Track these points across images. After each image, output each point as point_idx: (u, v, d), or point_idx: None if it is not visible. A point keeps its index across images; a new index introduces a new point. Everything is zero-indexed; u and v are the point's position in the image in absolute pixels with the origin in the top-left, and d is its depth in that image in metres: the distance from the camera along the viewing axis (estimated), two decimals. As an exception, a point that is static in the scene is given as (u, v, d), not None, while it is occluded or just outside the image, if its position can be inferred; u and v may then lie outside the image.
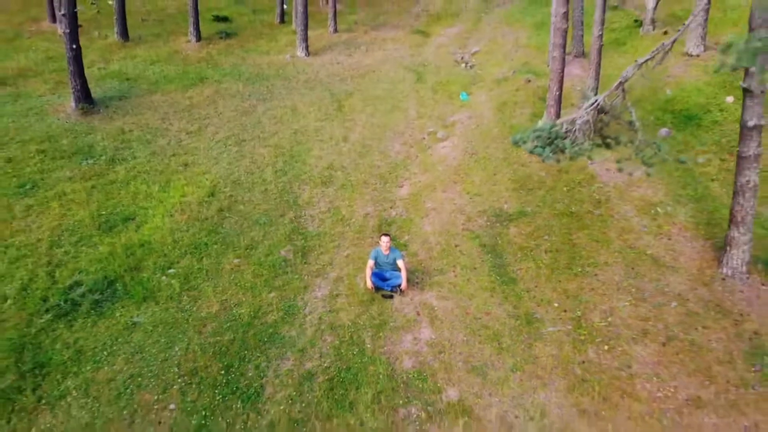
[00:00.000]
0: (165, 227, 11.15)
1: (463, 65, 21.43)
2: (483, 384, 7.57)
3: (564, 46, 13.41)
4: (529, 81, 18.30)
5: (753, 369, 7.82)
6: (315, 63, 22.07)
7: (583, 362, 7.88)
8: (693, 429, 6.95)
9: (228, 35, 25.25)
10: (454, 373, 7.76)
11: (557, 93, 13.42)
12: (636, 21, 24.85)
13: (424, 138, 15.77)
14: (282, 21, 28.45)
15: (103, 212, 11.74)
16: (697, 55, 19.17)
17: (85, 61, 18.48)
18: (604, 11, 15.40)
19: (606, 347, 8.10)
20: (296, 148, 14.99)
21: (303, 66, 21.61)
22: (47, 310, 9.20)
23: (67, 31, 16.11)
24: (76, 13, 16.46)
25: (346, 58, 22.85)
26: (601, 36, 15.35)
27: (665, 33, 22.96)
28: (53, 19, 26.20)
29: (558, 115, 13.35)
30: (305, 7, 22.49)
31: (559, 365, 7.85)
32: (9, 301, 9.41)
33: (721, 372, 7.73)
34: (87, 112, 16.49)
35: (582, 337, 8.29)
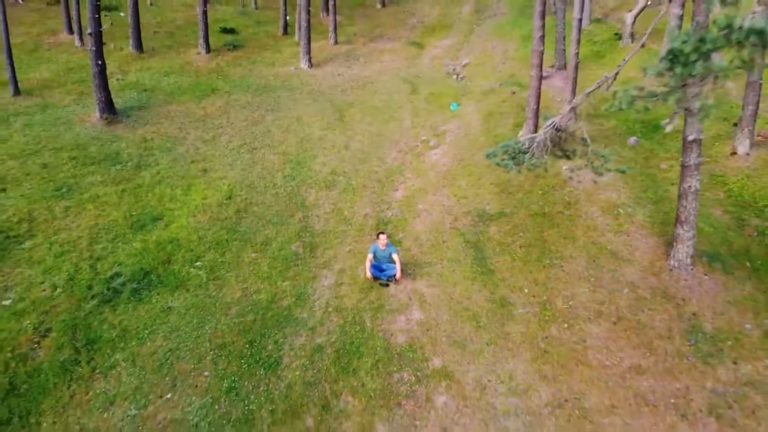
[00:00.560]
0: (190, 226, 12.63)
1: (455, 77, 22.95)
2: (462, 354, 9.09)
3: (540, 66, 14.92)
4: (514, 93, 19.83)
5: (689, 343, 9.34)
6: (317, 75, 23.57)
7: (546, 337, 9.40)
8: (632, 390, 8.47)
9: (235, 47, 26.73)
10: (438, 346, 9.27)
11: (534, 107, 14.94)
12: (616, 34, 26.43)
13: (417, 146, 17.28)
14: (285, 32, 29.93)
15: (134, 213, 13.21)
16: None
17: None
18: (579, 32, 16.93)
19: (566, 325, 9.62)
20: (302, 155, 16.48)
21: (306, 78, 23.12)
22: (93, 297, 10.68)
23: (93, 48, 17.57)
24: (101, 32, 17.93)
25: (346, 69, 24.36)
26: (577, 54, 16.88)
27: (642, 46, 24.53)
28: (70, 30, 27.64)
29: (536, 127, 14.85)
30: (308, 22, 23.98)
31: (526, 340, 9.37)
32: (59, 290, 10.88)
33: (660, 345, 9.25)
34: (111, 122, 17.95)
35: (546, 318, 9.81)
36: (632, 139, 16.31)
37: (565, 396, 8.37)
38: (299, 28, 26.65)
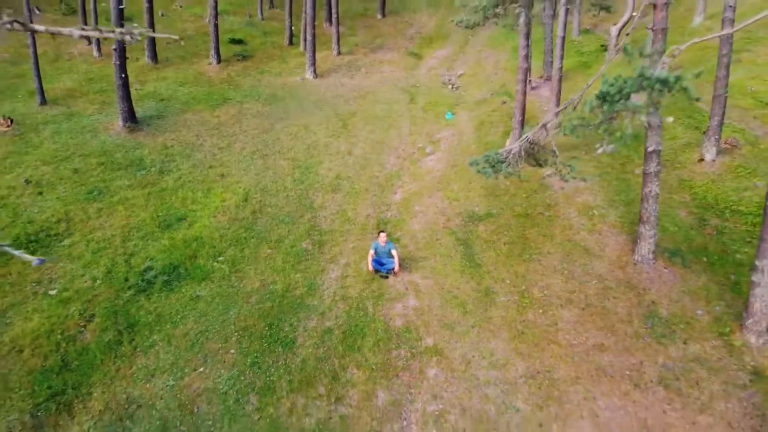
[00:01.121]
0: (211, 225, 14.07)
1: (450, 87, 24.38)
2: (451, 335, 10.52)
3: (525, 82, 16.35)
4: (504, 102, 21.27)
5: (646, 326, 10.77)
6: (322, 85, 25.02)
7: (523, 321, 10.83)
8: (594, 363, 9.90)
9: (244, 57, 28.16)
10: (431, 328, 10.70)
11: (520, 119, 16.38)
12: (602, 46, 27.84)
13: (414, 152, 18.71)
14: (291, 43, 31.37)
15: (160, 214, 14.64)
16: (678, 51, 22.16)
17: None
18: (562, 48, 18.35)
19: (541, 311, 11.05)
20: (310, 161, 17.92)
21: (312, 87, 24.56)
22: (129, 288, 12.11)
23: (118, 63, 19.01)
24: (124, 47, 19.37)
25: (349, 80, 25.80)
26: (560, 68, 18.32)
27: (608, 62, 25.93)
28: (88, 41, 29.06)
29: (521, 135, 16.27)
30: (314, 36, 25.42)
31: (505, 323, 10.80)
32: (98, 281, 12.31)
33: (621, 328, 10.68)
34: (133, 130, 19.38)
35: (524, 304, 11.24)
36: (610, 147, 17.71)
37: (537, 369, 9.81)
38: (304, 40, 28.08)
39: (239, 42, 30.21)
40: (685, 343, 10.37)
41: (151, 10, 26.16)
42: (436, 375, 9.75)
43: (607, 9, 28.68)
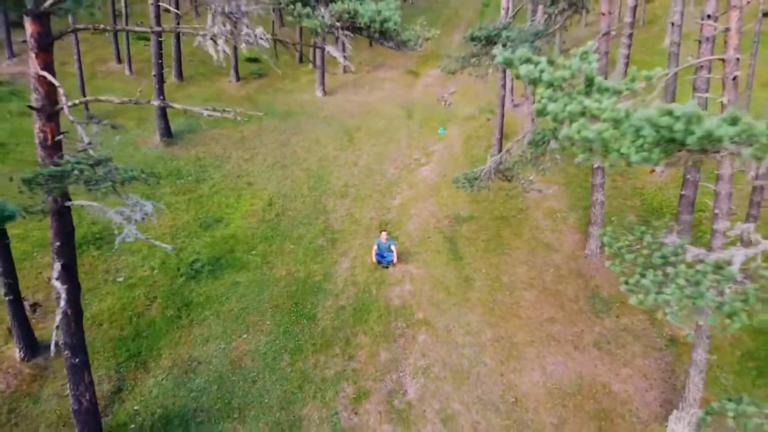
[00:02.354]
0: (243, 226, 16.91)
1: (443, 103, 27.21)
2: (437, 311, 13.36)
3: (503, 105, 19.19)
4: (489, 119, 24.09)
5: (588, 304, 13.59)
6: (330, 101, 27.87)
7: (494, 300, 13.67)
8: (546, 332, 12.72)
9: (260, 75, 31.01)
10: (421, 306, 13.54)
11: (499, 136, 19.22)
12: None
13: (411, 163, 21.55)
14: (300, 61, 34.22)
15: (200, 216, 17.47)
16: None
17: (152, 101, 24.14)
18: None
19: (507, 293, 13.89)
20: (322, 171, 20.76)
21: (321, 104, 27.41)
22: (181, 275, 14.94)
23: (157, 87, 21.87)
24: (162, 73, 22.22)
25: (354, 97, 28.64)
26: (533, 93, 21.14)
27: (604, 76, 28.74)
28: (118, 60, 31.94)
29: (500, 150, 19.13)
30: (323, 60, 28.26)
31: (480, 302, 13.64)
32: (156, 270, 15.13)
33: (569, 305, 13.51)
34: (169, 144, 22.23)
35: (495, 288, 14.08)
36: (577, 160, 20.54)
37: (501, 335, 12.64)
38: (313, 60, 30.91)
39: (255, 60, 33.04)
40: (617, 317, 13.21)
41: (178, 36, 29.00)
42: (425, 340, 12.59)
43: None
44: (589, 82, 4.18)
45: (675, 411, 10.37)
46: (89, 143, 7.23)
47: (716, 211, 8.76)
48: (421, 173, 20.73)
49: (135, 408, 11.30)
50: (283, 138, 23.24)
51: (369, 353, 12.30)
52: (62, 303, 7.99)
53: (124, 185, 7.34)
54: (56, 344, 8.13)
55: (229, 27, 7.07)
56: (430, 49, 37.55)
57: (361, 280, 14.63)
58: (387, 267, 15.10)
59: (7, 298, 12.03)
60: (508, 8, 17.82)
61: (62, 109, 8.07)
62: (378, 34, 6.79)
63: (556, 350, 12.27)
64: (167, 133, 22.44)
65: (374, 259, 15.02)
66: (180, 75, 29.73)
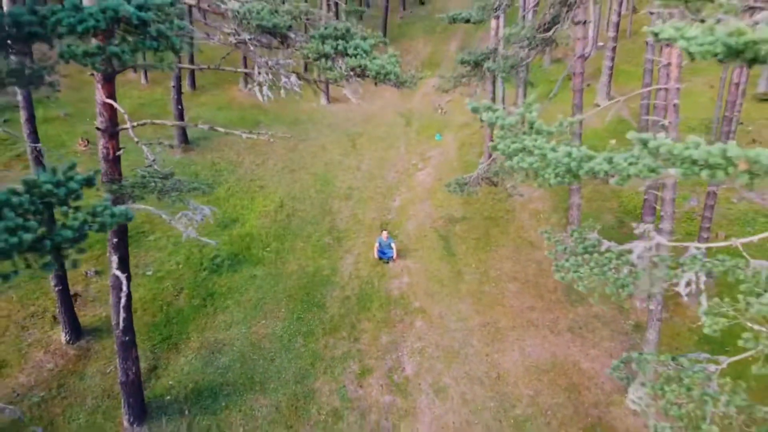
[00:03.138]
0: (258, 225, 18.60)
1: (439, 111, 28.88)
2: (432, 300, 15.05)
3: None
4: (482, 127, 25.76)
5: (565, 295, 15.27)
6: (333, 110, 29.55)
7: (482, 291, 15.37)
8: (526, 318, 14.41)
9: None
10: (418, 296, 15.24)
11: (489, 143, 20.91)
12: (569, 75, 32.34)
13: (409, 168, 23.24)
14: (305, 70, 35.85)
15: (218, 216, 19.13)
16: (603, 106, 26.70)
17: (169, 109, 25.83)
18: (525, 87, 22.85)
19: (494, 285, 15.59)
20: (327, 175, 22.45)
21: (326, 112, 29.10)
22: (204, 269, 16.62)
23: (176, 97, 23.55)
24: (180, 85, 23.90)
25: (356, 106, 30.33)
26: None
27: (588, 85, 30.44)
28: (134, 70, 33.57)
29: (489, 156, 20.80)
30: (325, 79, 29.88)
31: (469, 293, 15.33)
32: (181, 265, 16.81)
33: (548, 296, 15.20)
34: (186, 150, 23.90)
35: (483, 281, 15.79)
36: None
37: (487, 321, 14.34)
38: (317, 84, 32.58)
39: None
40: (590, 306, 14.90)
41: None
42: (421, 325, 14.29)
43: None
44: (531, 126, 5.86)
45: (632, 384, 12.06)
46: (153, 160, 8.90)
47: (662, 213, 10.45)
48: (419, 177, 22.42)
49: (170, 383, 12.99)
50: (291, 144, 24.93)
51: (372, 336, 14.00)
52: (124, 288, 9.66)
53: (188, 193, 8.96)
54: (116, 324, 9.85)
55: (271, 76, 8.72)
56: (428, 56, 39.28)
57: (364, 274, 16.32)
58: (387, 262, 16.78)
59: (56, 289, 13.73)
60: (497, 30, 19.53)
61: (123, 129, 9.76)
62: (382, 81, 8.51)
63: (535, 334, 13.97)
64: (184, 139, 24.11)
65: (376, 255, 16.71)
66: (193, 84, 31.39)
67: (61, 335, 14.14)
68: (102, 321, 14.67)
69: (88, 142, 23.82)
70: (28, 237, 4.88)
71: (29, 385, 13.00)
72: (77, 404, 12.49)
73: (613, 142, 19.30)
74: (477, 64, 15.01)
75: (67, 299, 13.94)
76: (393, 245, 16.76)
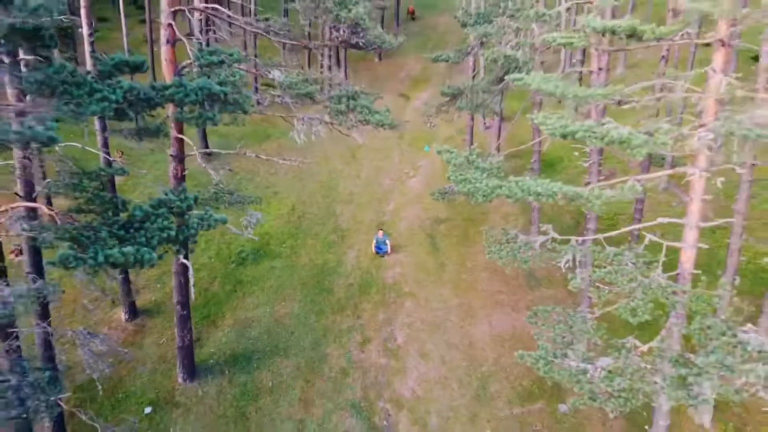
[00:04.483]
0: (275, 226, 21.91)
1: (429, 125, 32.18)
2: (419, 286, 18.43)
3: (471, 134, 24.28)
4: (464, 140, 29.14)
5: (526, 281, 18.67)
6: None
7: (460, 279, 18.76)
8: (495, 299, 17.80)
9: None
10: (408, 283, 18.61)
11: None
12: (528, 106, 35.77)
13: (402, 176, 26.60)
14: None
15: (241, 218, 22.40)
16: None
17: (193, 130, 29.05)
18: (501, 112, 26.22)
19: (469, 273, 18.98)
20: (331, 182, 25.78)
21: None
22: (232, 262, 19.92)
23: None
24: (203, 103, 27.17)
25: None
26: (501, 119, 26.23)
27: (559, 102, 33.84)
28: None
29: (471, 167, 24.20)
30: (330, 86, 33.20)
31: (450, 280, 18.71)
32: (212, 259, 20.11)
33: (512, 282, 18.59)
34: (208, 160, 27.09)
35: (461, 270, 19.17)
36: (527, 174, 25.67)
37: (463, 302, 17.71)
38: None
39: (272, 86, 37.91)
40: (547, 288, 18.31)
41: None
42: (410, 305, 17.66)
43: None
44: (471, 164, 9.23)
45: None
46: (220, 180, 12.20)
47: (588, 216, 13.83)
48: (410, 184, 25.80)
49: (211, 350, 16.31)
50: (299, 155, 28.17)
51: (370, 314, 17.35)
52: (190, 273, 12.96)
53: (249, 205, 12.29)
54: (177, 302, 13.15)
55: (305, 126, 12.05)
56: (419, 72, 42.66)
57: (364, 265, 19.67)
58: (383, 256, 20.12)
59: (120, 276, 16.99)
60: (474, 65, 22.87)
61: (189, 156, 13.05)
62: (380, 128, 11.87)
63: (500, 311, 17.36)
64: (206, 149, 27.35)
65: (374, 250, 20.05)
66: (208, 99, 34.61)
67: (121, 315, 17.44)
68: (152, 304, 17.99)
69: (122, 153, 27.02)
70: (172, 233, 8.15)
71: (100, 354, 16.30)
72: (139, 367, 15.78)
73: (577, 153, 22.27)
74: (454, 97, 18.37)
75: (127, 285, 17.24)
76: (388, 242, 20.10)
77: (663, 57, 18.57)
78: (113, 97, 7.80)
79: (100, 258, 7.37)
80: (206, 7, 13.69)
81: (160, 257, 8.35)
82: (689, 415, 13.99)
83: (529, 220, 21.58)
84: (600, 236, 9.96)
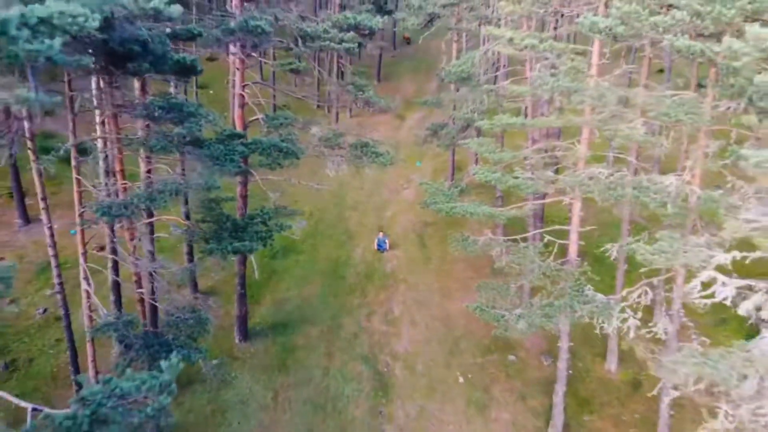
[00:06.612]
0: (297, 228, 27.52)
1: (421, 143, 37.83)
2: (411, 274, 24.11)
3: (453, 153, 29.91)
4: (449, 159, 34.80)
5: (491, 270, 24.34)
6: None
7: (442, 269, 24.44)
8: (467, 283, 23.45)
9: (287, 118, 41.51)
10: (402, 272, 24.30)
11: (451, 171, 29.95)
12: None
13: (397, 188, 32.26)
14: (318, 107, 44.74)
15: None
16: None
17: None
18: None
19: (449, 265, 24.66)
20: (340, 192, 31.42)
21: (336, 143, 38.02)
22: (266, 256, 25.50)
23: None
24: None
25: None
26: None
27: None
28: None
29: (452, 179, 29.81)
30: (337, 113, 38.80)
31: (434, 270, 24.39)
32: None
33: (482, 270, 24.23)
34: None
35: (443, 262, 24.85)
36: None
37: (443, 286, 23.40)
38: (328, 110, 41.54)
39: (285, 107, 43.55)
40: (506, 275, 23.97)
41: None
42: (404, 289, 23.33)
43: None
44: (439, 191, 14.85)
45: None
46: (275, 200, 17.81)
47: (529, 222, 19.52)
48: (404, 195, 31.48)
49: (257, 321, 21.93)
50: (312, 170, 33.82)
51: (374, 295, 23.01)
52: (252, 260, 18.56)
53: (299, 215, 17.90)
54: (237, 283, 18.75)
55: (335, 164, 17.68)
56: (413, 94, 48.35)
57: (368, 259, 25.32)
58: (383, 252, 25.77)
59: (187, 257, 22.55)
60: (454, 106, 28.56)
61: (249, 180, 18.66)
62: (382, 165, 17.45)
63: (472, 292, 23.01)
64: (237, 167, 32.94)
65: (375, 248, 25.71)
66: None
67: (188, 292, 23.01)
68: (209, 288, 23.59)
69: (166, 168, 32.49)
70: (263, 234, 13.76)
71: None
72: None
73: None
74: (434, 132, 24.08)
75: (192, 269, 22.82)
76: (387, 241, 25.77)
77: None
78: (237, 158, 13.44)
79: (230, 248, 12.97)
80: (259, 83, 19.23)
81: (257, 249, 14.01)
82: (600, 362, 19.70)
83: (495, 224, 27.25)
84: (518, 237, 15.59)
